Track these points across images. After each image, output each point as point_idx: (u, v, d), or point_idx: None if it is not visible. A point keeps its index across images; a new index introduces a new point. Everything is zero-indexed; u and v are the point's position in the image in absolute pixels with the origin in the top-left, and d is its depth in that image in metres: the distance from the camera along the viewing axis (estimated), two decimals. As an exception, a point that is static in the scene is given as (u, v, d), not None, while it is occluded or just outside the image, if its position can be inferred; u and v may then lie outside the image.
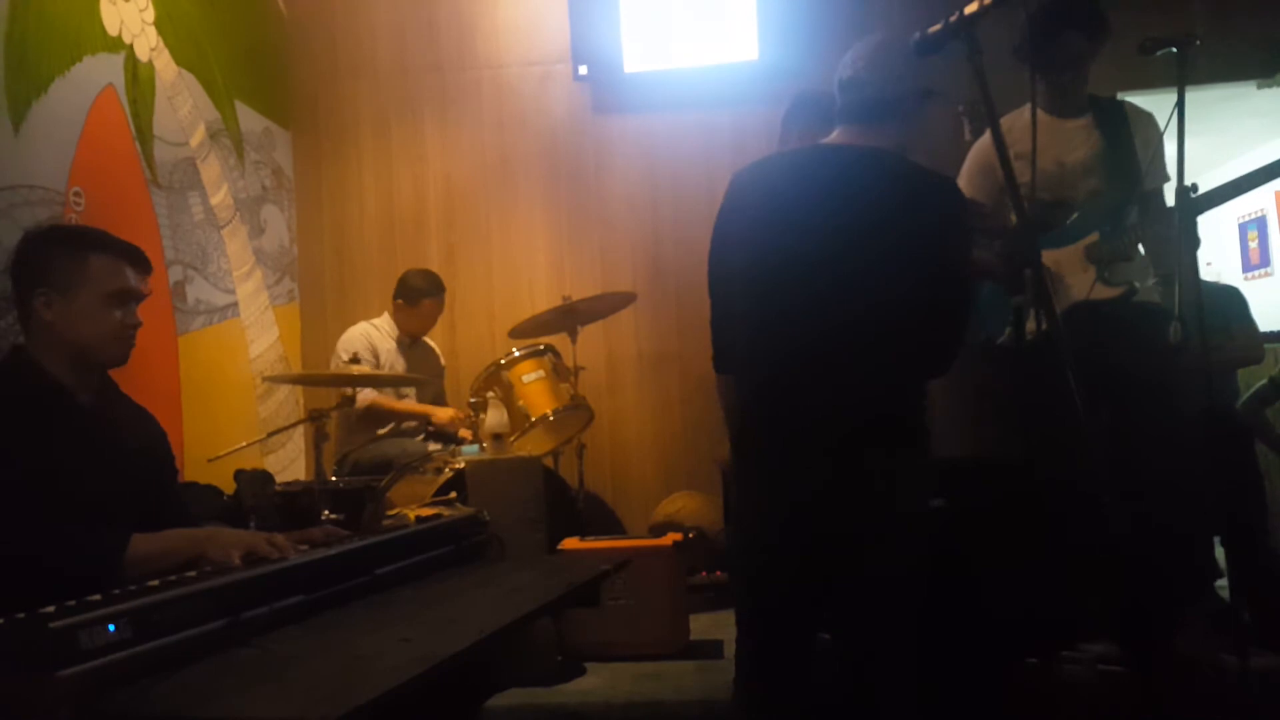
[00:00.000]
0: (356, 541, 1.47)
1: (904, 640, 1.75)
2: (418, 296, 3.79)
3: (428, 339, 4.00)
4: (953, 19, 1.49)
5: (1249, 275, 6.69)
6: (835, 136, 1.83)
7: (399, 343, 3.81)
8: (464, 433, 3.59)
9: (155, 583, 1.17)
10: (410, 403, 3.77)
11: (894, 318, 1.72)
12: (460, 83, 4.42)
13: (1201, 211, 2.26)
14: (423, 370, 3.86)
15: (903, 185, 1.75)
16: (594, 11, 4.15)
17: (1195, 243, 2.29)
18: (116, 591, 1.10)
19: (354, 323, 3.85)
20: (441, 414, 3.68)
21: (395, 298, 3.83)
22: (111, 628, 0.96)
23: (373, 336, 3.75)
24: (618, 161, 4.32)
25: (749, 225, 1.81)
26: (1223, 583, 2.69)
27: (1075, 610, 2.31)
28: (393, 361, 3.75)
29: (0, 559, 1.43)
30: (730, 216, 1.86)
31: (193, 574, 1.24)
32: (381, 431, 3.67)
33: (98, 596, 1.06)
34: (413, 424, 3.79)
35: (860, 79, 1.78)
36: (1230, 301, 3.41)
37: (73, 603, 1.02)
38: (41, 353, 1.67)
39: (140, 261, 1.75)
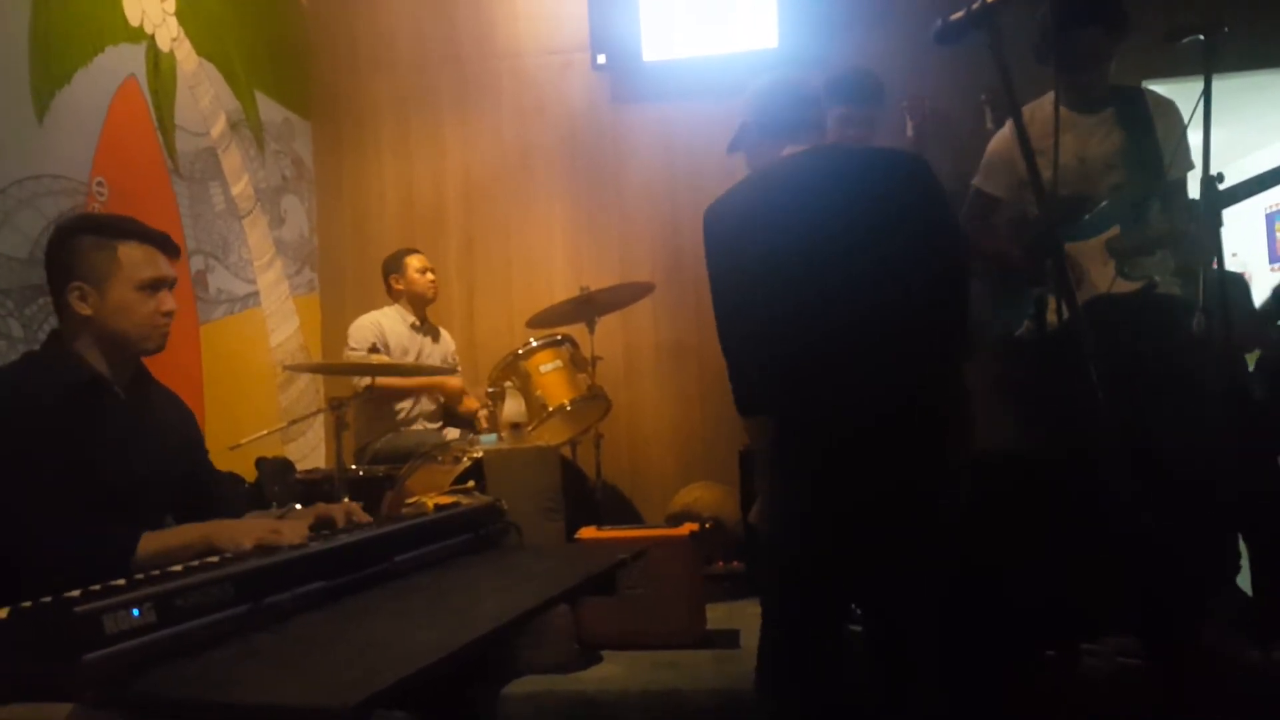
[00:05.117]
0: (376, 528, 1.48)
1: (930, 632, 1.76)
2: (396, 259, 3.83)
3: (441, 329, 4.01)
4: (974, 6, 1.47)
5: (1276, 265, 6.59)
6: (789, 149, 1.91)
7: (411, 327, 3.82)
8: (479, 412, 3.62)
9: (178, 568, 1.18)
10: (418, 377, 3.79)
11: (906, 299, 1.75)
12: (479, 73, 4.42)
13: (1226, 206, 2.23)
14: (435, 353, 3.87)
15: (877, 171, 1.85)
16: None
17: (1219, 233, 2.26)
18: (140, 576, 1.11)
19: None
20: (453, 381, 3.72)
21: (385, 280, 3.86)
22: (136, 612, 0.97)
23: (382, 324, 3.75)
24: (637, 151, 4.31)
25: (749, 254, 1.84)
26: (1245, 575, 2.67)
27: (1096, 604, 2.30)
28: (406, 345, 3.76)
29: (12, 552, 1.43)
30: (723, 250, 1.89)
31: (214, 559, 1.26)
32: (400, 417, 3.70)
33: (122, 581, 1.07)
34: (432, 407, 3.81)
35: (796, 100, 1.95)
36: (1233, 290, 3.39)
37: (97, 587, 1.03)
38: (78, 344, 1.67)
39: (168, 246, 1.75)
